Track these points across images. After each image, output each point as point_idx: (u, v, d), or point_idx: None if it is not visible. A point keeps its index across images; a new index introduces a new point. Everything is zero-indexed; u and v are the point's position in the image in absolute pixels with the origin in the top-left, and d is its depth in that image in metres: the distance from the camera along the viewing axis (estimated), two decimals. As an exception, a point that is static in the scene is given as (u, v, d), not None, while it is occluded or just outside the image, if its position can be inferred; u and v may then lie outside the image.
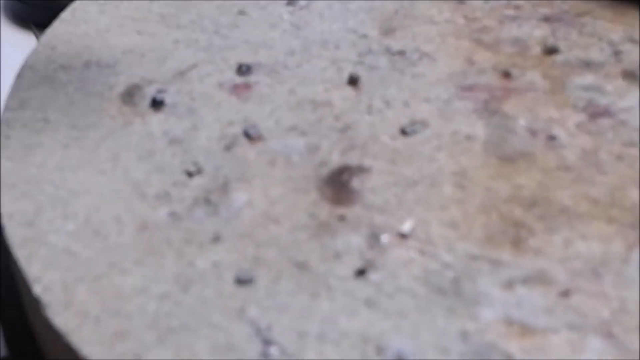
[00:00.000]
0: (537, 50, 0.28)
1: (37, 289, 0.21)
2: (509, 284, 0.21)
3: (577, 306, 0.20)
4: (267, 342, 0.20)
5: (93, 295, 0.21)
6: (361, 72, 0.27)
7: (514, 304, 0.20)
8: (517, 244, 0.22)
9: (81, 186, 0.24)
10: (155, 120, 0.26)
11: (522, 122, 0.25)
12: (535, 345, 0.20)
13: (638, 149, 0.24)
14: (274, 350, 0.20)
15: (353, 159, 0.24)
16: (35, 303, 0.21)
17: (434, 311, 0.20)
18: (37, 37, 0.48)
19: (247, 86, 0.27)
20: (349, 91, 0.27)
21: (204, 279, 0.21)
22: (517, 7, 0.29)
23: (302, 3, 0.30)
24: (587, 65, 0.27)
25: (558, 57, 0.27)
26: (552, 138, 0.24)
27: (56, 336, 0.21)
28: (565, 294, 0.21)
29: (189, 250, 0.22)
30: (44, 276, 0.22)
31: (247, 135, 0.25)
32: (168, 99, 0.27)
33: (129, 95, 0.27)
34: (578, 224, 0.22)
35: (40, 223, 0.23)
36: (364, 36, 0.29)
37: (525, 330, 0.20)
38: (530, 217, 0.22)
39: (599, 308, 0.20)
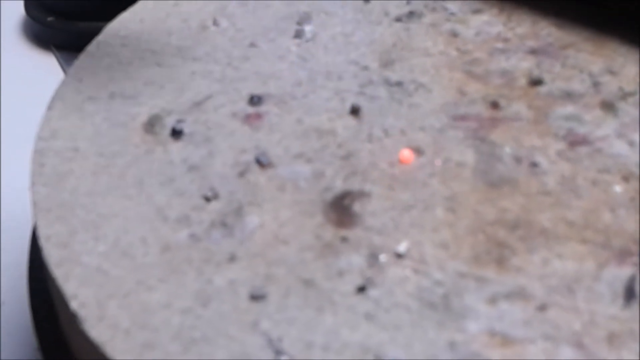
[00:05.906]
0: (523, 81, 0.30)
1: (74, 305, 0.24)
2: (493, 299, 0.23)
3: (552, 319, 0.23)
4: (278, 352, 0.23)
5: (123, 310, 0.24)
6: (362, 103, 0.30)
7: (496, 318, 0.23)
8: (500, 262, 0.24)
9: (110, 210, 0.27)
10: (175, 148, 0.29)
11: (507, 150, 0.28)
12: (514, 354, 0.22)
13: (611, 175, 0.26)
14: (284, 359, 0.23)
15: (354, 185, 0.27)
16: (72, 317, 0.24)
17: (426, 324, 0.23)
18: (57, 57, 0.51)
19: (258, 116, 0.30)
20: (350, 120, 0.29)
21: (221, 295, 0.24)
22: (505, 40, 0.32)
23: (308, 36, 0.33)
24: (568, 96, 0.29)
25: (542, 89, 0.30)
26: (534, 165, 0.27)
27: (92, 347, 0.23)
28: (542, 308, 0.23)
29: (208, 269, 0.25)
30: (79, 293, 0.24)
31: (259, 162, 0.28)
32: (186, 128, 0.29)
33: (151, 125, 0.30)
34: (555, 245, 0.25)
35: (74, 244, 0.26)
36: (365, 68, 0.31)
37: (506, 340, 0.22)
38: (513, 238, 0.25)
39: (572, 321, 0.23)
